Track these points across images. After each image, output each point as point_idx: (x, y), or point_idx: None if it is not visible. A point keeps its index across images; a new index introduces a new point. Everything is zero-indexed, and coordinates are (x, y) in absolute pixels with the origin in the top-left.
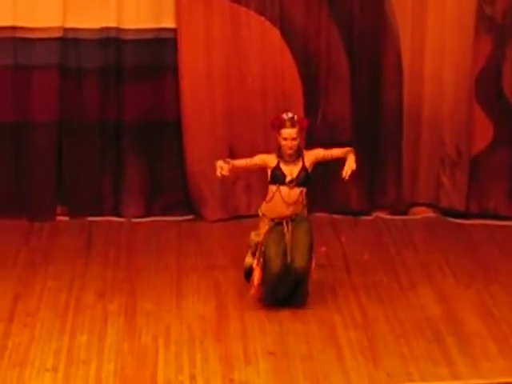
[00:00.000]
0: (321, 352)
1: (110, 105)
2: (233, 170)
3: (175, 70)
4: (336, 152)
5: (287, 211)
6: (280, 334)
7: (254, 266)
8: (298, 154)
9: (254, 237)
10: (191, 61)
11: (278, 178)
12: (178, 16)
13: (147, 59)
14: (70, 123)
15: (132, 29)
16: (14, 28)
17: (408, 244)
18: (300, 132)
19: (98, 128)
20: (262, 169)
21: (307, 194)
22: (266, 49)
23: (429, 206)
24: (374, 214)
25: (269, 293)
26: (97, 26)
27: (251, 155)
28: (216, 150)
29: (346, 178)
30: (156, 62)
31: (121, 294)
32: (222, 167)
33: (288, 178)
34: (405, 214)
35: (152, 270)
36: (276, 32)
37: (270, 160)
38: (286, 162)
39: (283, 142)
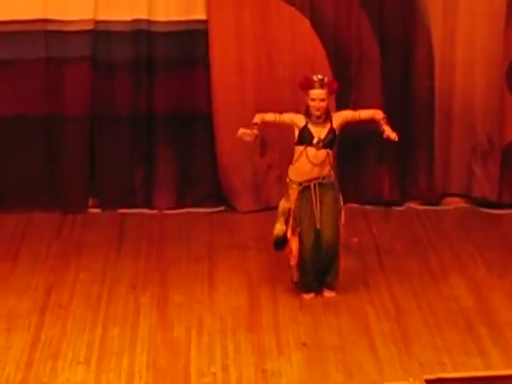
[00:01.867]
0: (353, 343)
1: (142, 97)
2: (262, 125)
3: (206, 61)
4: (364, 114)
5: (313, 172)
6: (313, 325)
7: (290, 236)
8: (326, 116)
9: (285, 203)
10: (222, 52)
11: (305, 138)
12: (209, 8)
13: (178, 51)
14: (101, 116)
15: (163, 21)
16: (45, 21)
17: (440, 234)
18: (329, 95)
19: (129, 120)
20: (290, 127)
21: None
22: (297, 39)
23: (461, 196)
24: (406, 205)
25: (302, 266)
26: (128, 18)
27: (282, 146)
28: (247, 141)
29: (394, 139)
30: (187, 53)
31: (153, 286)
32: (246, 134)
33: (315, 139)
34: (437, 204)
35: (184, 262)
36: (306, 22)
37: (299, 119)
38: (314, 124)
39: (311, 103)
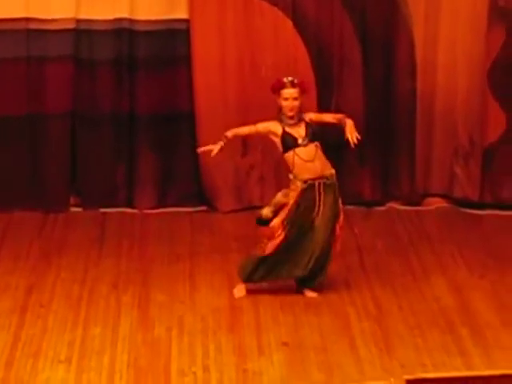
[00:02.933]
0: (334, 343)
1: (124, 96)
2: (233, 139)
3: (188, 60)
4: (327, 117)
5: (316, 168)
6: (294, 325)
7: (277, 227)
8: (298, 117)
9: (281, 197)
10: (204, 51)
11: (290, 143)
12: (191, 7)
13: (160, 50)
14: (83, 114)
15: (145, 20)
16: (27, 19)
17: (421, 235)
18: (301, 94)
19: (111, 119)
20: (264, 137)
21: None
22: (279, 39)
23: (442, 196)
24: (388, 205)
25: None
26: (110, 17)
27: (264, 146)
28: (229, 140)
29: (354, 142)
30: (169, 52)
31: (134, 286)
32: (206, 150)
33: (300, 139)
34: (418, 204)
35: (165, 262)
36: (288, 22)
37: (274, 127)
38: (290, 126)
39: (284, 103)
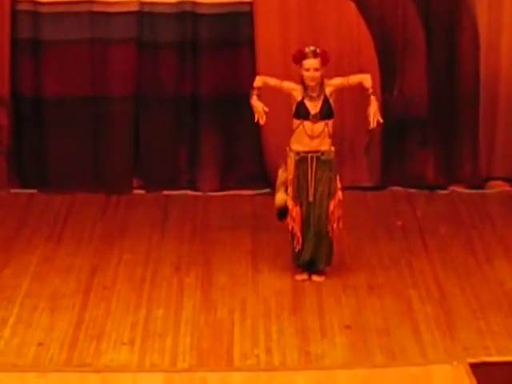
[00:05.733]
0: (397, 326)
1: (186, 78)
2: (263, 88)
3: (251, 43)
4: (353, 79)
5: (313, 144)
6: (356, 308)
7: (291, 206)
8: (320, 88)
9: (282, 173)
10: (267, 34)
11: (301, 113)
12: None
13: (223, 33)
14: (146, 97)
15: (208, 2)
16: (91, 2)
17: (484, 218)
18: (323, 65)
19: (174, 102)
20: (288, 95)
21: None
22: (342, 22)
23: (505, 179)
24: (450, 188)
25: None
26: (173, 0)
27: None
28: (291, 123)
29: (373, 126)
30: (232, 35)
31: (196, 268)
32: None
33: (312, 114)
34: (481, 188)
35: (227, 244)
36: (352, 5)
37: (297, 91)
38: (310, 98)
39: (305, 74)
